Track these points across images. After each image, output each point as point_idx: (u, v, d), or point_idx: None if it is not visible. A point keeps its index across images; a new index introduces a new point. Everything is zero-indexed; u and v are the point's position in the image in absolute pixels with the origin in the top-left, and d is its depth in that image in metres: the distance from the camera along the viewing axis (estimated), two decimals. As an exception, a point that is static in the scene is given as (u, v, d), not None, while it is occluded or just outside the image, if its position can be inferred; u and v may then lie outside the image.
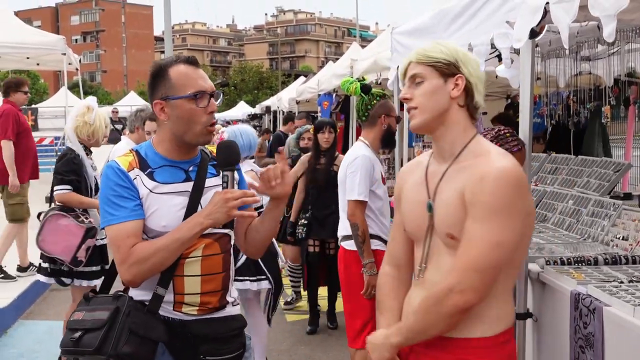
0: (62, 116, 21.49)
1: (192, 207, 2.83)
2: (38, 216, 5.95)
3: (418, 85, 2.58)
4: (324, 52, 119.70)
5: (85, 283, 5.79)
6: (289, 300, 8.34)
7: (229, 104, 59.17)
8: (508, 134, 3.30)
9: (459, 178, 2.52)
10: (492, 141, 3.25)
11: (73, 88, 25.69)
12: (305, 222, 7.26)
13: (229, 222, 2.90)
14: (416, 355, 2.64)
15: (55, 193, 5.72)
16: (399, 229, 2.84)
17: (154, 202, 2.81)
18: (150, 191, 2.81)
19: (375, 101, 5.21)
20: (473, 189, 2.44)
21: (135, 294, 2.88)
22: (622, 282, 3.88)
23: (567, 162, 6.64)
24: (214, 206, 2.73)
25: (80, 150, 5.80)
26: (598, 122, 8.72)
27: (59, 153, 10.54)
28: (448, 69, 2.55)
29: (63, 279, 5.81)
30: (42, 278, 5.97)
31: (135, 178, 2.82)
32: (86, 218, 5.64)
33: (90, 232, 5.58)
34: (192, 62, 2.87)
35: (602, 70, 7.11)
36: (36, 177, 9.21)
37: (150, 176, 2.84)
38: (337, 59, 17.35)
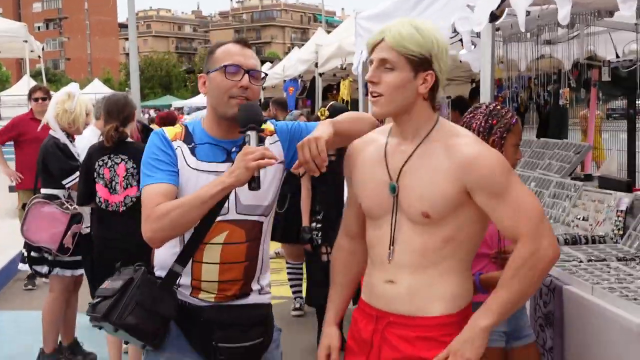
0: (24, 105, 21.20)
1: None
2: (23, 206, 5.89)
3: (387, 71, 2.53)
4: (290, 38, 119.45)
5: (68, 272, 5.72)
6: (297, 306, 7.49)
7: (194, 91, 58.86)
8: (499, 107, 3.31)
9: (437, 158, 2.53)
10: (487, 119, 3.24)
11: (36, 76, 25.41)
12: (320, 225, 6.23)
13: (265, 209, 2.87)
14: (381, 335, 2.65)
15: (69, 185, 5.60)
16: (352, 202, 2.87)
17: (189, 177, 2.79)
18: (188, 165, 2.80)
19: None
20: (475, 170, 2.47)
21: (158, 271, 2.88)
22: (581, 262, 3.95)
23: (530, 144, 6.72)
24: (235, 164, 2.64)
25: (63, 137, 5.73)
26: (558, 105, 8.82)
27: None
28: (420, 63, 2.52)
29: (40, 268, 5.74)
30: (25, 267, 5.95)
31: (177, 148, 2.82)
32: (70, 205, 5.58)
33: (76, 218, 5.52)
34: (241, 42, 2.92)
35: (562, 53, 7.20)
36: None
37: (192, 151, 2.83)
38: (304, 44, 17.34)
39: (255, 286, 2.93)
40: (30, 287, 8.58)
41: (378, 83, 2.55)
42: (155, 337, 2.83)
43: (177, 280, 2.84)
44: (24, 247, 5.79)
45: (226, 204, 2.78)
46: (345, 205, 2.99)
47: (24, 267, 5.98)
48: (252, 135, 2.69)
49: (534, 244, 2.44)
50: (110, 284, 2.82)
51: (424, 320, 2.57)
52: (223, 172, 2.74)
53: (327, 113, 5.97)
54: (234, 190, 2.75)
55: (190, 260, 2.82)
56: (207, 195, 2.64)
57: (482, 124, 3.23)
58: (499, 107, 3.31)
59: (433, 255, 2.56)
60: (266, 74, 3.04)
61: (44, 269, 5.72)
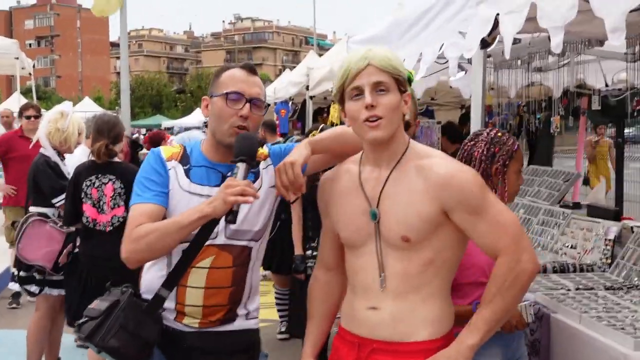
0: (15, 121, 21.13)
1: None
2: (12, 224, 5.84)
3: (382, 94, 2.51)
4: (282, 60, 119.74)
5: (56, 292, 5.66)
6: (283, 330, 7.39)
7: (184, 112, 58.86)
8: (500, 134, 3.30)
9: (411, 180, 2.53)
10: (489, 147, 3.24)
11: (26, 93, 25.35)
12: (315, 253, 5.74)
13: (255, 234, 2.85)
14: None
15: (59, 204, 5.56)
16: (327, 234, 2.85)
17: (180, 199, 2.77)
18: (180, 187, 2.79)
19: None
20: (450, 189, 2.47)
21: (145, 294, 2.85)
22: (569, 290, 3.95)
23: (519, 171, 6.72)
24: (216, 195, 2.62)
25: (54, 155, 5.71)
26: (547, 132, 8.87)
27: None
28: (403, 84, 2.55)
29: (29, 287, 5.69)
30: (15, 287, 5.88)
31: (171, 169, 2.82)
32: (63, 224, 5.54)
33: (71, 237, 5.49)
34: (248, 68, 2.89)
35: (553, 81, 7.24)
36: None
37: (187, 173, 2.82)
38: (295, 67, 17.37)
39: (241, 311, 2.90)
40: (14, 305, 8.50)
41: (376, 106, 2.50)
42: None
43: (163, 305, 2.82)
44: (14, 266, 5.74)
45: (216, 228, 2.75)
46: (321, 238, 2.96)
47: (14, 286, 5.91)
48: (241, 167, 2.65)
49: (515, 259, 2.44)
50: (98, 305, 2.80)
51: (409, 345, 2.55)
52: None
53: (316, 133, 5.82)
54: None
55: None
56: (185, 222, 2.63)
57: (485, 152, 3.23)
58: (499, 134, 3.30)
59: (414, 280, 2.55)
60: (268, 105, 3.01)
61: (33, 288, 5.68)
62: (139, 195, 2.78)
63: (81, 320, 2.79)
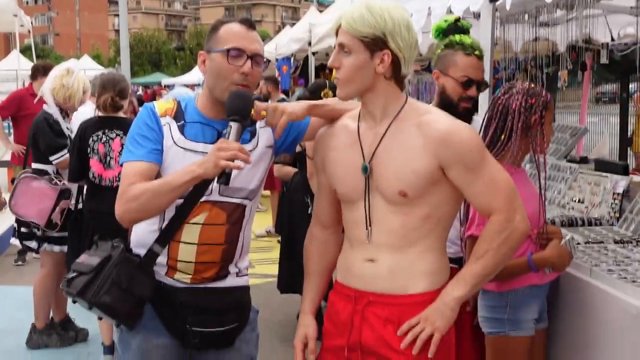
0: (13, 80, 21.01)
1: None
2: (12, 181, 5.83)
3: (345, 55, 2.54)
4: (281, 16, 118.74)
5: (57, 248, 5.69)
6: None
7: (184, 69, 58.52)
8: (533, 86, 3.28)
9: (410, 136, 2.54)
10: (526, 99, 3.20)
11: (25, 51, 25.18)
12: None
13: (250, 193, 2.82)
14: (361, 315, 2.63)
15: (55, 162, 5.57)
16: (323, 191, 2.85)
17: (174, 155, 2.73)
18: (175, 143, 2.74)
19: (438, 51, 3.70)
20: (449, 146, 2.48)
21: (136, 248, 2.84)
22: (578, 244, 3.95)
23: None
24: (207, 156, 2.57)
25: (56, 112, 5.68)
26: (554, 87, 8.81)
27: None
28: (375, 44, 2.51)
29: (29, 243, 5.71)
30: (16, 242, 5.91)
31: (165, 125, 2.76)
32: (60, 180, 5.53)
33: (65, 194, 5.47)
34: (247, 22, 2.81)
35: (560, 35, 7.17)
36: None
37: (181, 129, 2.76)
38: (294, 24, 17.24)
39: (232, 269, 2.89)
40: (20, 262, 8.55)
41: (339, 67, 2.55)
42: (129, 318, 2.80)
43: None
44: (15, 222, 5.75)
45: (210, 185, 2.73)
46: (316, 194, 2.96)
47: (15, 241, 5.93)
48: (233, 127, 2.59)
49: (508, 218, 2.50)
50: (87, 259, 2.80)
51: (406, 298, 2.57)
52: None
53: (330, 94, 5.63)
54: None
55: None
56: (177, 182, 2.60)
57: (523, 103, 3.21)
58: (532, 85, 3.29)
59: (412, 234, 2.57)
60: (269, 60, 2.96)
61: (33, 244, 5.70)
62: (132, 152, 2.73)
63: (70, 275, 2.78)
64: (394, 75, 2.57)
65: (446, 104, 3.41)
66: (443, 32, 3.65)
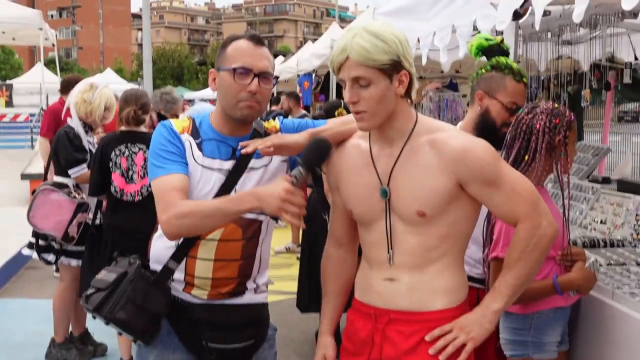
0: (37, 92, 21.23)
1: (226, 186, 2.74)
2: (33, 192, 5.86)
3: (364, 88, 2.48)
4: (303, 32, 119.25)
5: (74, 262, 5.69)
6: None
7: (205, 83, 58.84)
8: (557, 106, 3.26)
9: (425, 155, 2.53)
10: (550, 119, 3.18)
11: (49, 64, 25.42)
12: None
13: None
14: (382, 333, 2.63)
15: (74, 176, 5.58)
16: (338, 209, 2.84)
17: (194, 172, 2.74)
18: (195, 160, 2.75)
19: (483, 71, 3.54)
20: (467, 163, 2.48)
21: (154, 264, 2.85)
22: (600, 266, 3.90)
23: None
24: (271, 194, 2.51)
25: (78, 126, 5.70)
26: (577, 106, 8.76)
27: (34, 130, 10.29)
28: (393, 68, 2.48)
29: (47, 256, 5.73)
30: (29, 252, 5.88)
31: (186, 142, 2.77)
32: (78, 194, 5.55)
33: (82, 207, 5.49)
34: (254, 38, 2.77)
35: (583, 54, 7.14)
36: None
37: (199, 146, 2.77)
38: (316, 39, 17.30)
39: (250, 285, 2.88)
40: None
41: (358, 102, 2.50)
42: (145, 333, 2.82)
43: (172, 276, 2.81)
44: (32, 234, 5.78)
45: None
46: (331, 213, 2.94)
47: (31, 253, 5.93)
48: (304, 174, 2.58)
49: (535, 224, 2.50)
50: (105, 275, 2.82)
51: (426, 315, 2.57)
52: (227, 169, 2.74)
53: (344, 112, 5.61)
54: (235, 188, 2.74)
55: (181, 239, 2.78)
56: (233, 210, 2.60)
57: (547, 123, 3.18)
58: (556, 105, 3.27)
59: (430, 253, 2.57)
60: (277, 78, 2.94)
61: (50, 257, 5.72)
62: (161, 168, 2.72)
63: (89, 292, 2.80)
64: (407, 92, 2.56)
65: (487, 127, 3.39)
66: (484, 51, 3.61)
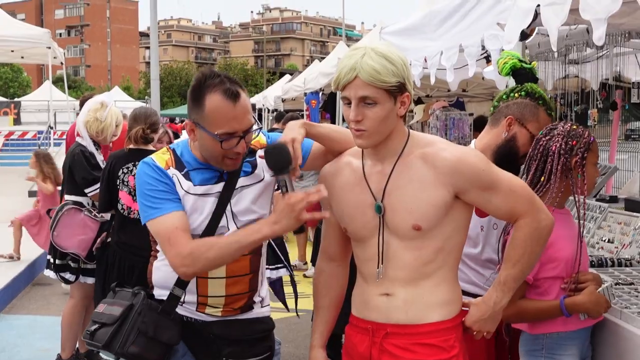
0: (45, 110, 21.34)
1: (220, 208, 2.75)
2: (48, 212, 5.88)
3: (369, 107, 2.51)
4: (310, 50, 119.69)
5: (90, 280, 5.71)
6: None
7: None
8: (575, 127, 3.24)
9: (418, 169, 2.57)
10: (566, 141, 3.15)
11: (57, 82, 25.57)
12: None
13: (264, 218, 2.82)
14: (379, 347, 2.65)
15: (91, 194, 5.59)
16: (330, 226, 2.86)
17: (187, 202, 2.74)
18: (186, 191, 2.74)
19: (516, 95, 3.47)
20: (462, 172, 2.53)
21: (157, 292, 2.85)
22: (615, 291, 3.89)
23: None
24: (279, 214, 2.54)
25: (90, 145, 5.73)
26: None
27: (41, 147, 10.30)
28: (398, 90, 2.52)
29: (66, 275, 5.74)
30: (50, 274, 5.87)
31: (173, 176, 2.75)
32: (98, 212, 5.57)
33: (105, 226, 5.53)
34: (230, 94, 2.64)
35: (590, 73, 7.15)
36: None
37: (186, 176, 2.76)
38: (323, 57, 17.38)
39: (257, 298, 2.92)
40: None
41: (362, 120, 2.52)
42: None
43: (181, 300, 2.82)
44: (49, 254, 5.79)
45: (225, 223, 2.76)
46: (323, 229, 2.96)
47: (49, 273, 5.93)
48: (287, 179, 2.58)
49: (534, 219, 2.60)
50: (108, 309, 2.80)
51: (423, 327, 2.61)
52: (219, 192, 2.75)
53: None
54: (229, 208, 2.76)
55: (195, 277, 2.78)
56: (248, 241, 2.62)
57: (563, 145, 3.15)
58: (574, 126, 3.25)
59: (426, 267, 2.61)
60: (260, 127, 2.88)
61: (68, 276, 5.73)
62: (156, 208, 2.70)
63: (92, 327, 2.77)
64: (405, 112, 2.61)
65: (511, 154, 3.34)
66: (514, 73, 3.59)
